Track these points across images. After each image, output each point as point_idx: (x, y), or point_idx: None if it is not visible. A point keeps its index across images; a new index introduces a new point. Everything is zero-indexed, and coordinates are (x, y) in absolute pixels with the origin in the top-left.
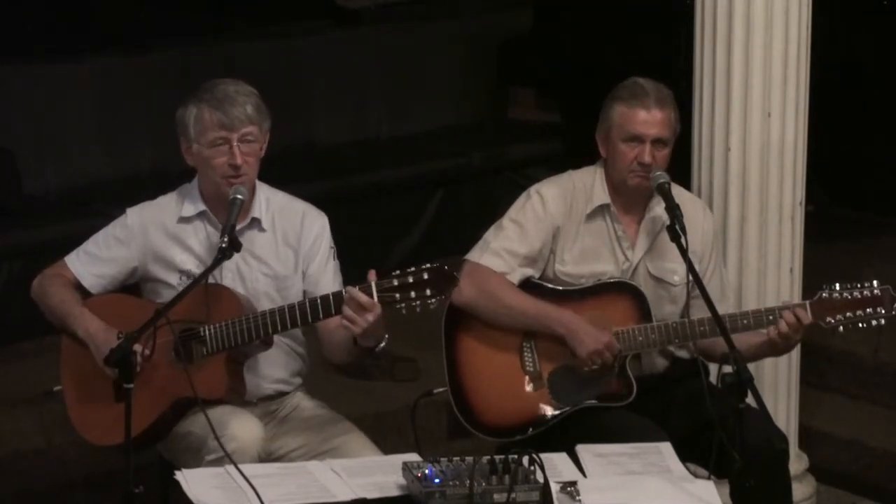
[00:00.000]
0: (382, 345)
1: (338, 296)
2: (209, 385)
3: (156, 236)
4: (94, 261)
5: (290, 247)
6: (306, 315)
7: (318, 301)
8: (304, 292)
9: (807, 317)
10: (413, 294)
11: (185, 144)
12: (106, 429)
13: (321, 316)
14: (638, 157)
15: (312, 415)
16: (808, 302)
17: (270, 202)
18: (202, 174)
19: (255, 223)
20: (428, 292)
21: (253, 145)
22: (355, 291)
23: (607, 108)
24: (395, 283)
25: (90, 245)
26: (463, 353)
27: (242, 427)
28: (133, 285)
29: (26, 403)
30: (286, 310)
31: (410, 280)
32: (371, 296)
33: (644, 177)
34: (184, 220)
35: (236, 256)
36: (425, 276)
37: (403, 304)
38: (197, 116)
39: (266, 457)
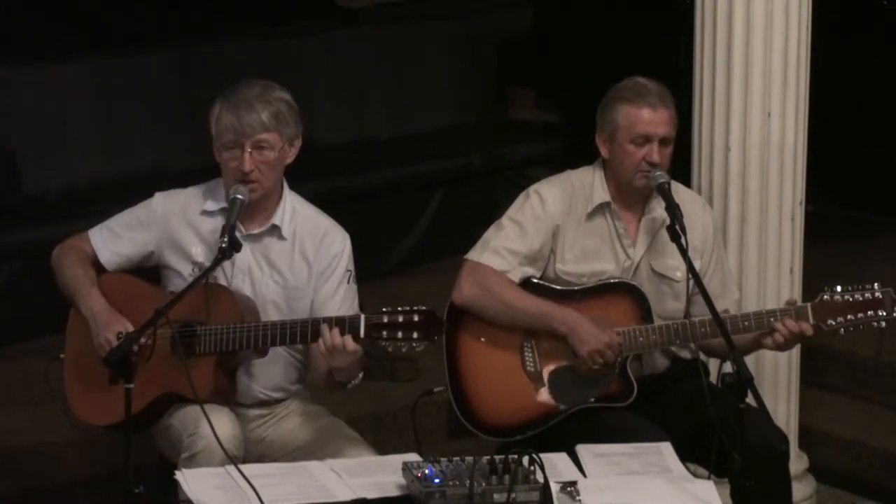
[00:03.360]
0: (355, 382)
1: (315, 323)
2: (195, 384)
3: (176, 224)
4: (115, 238)
5: (305, 260)
6: (296, 336)
7: (310, 325)
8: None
9: (809, 329)
10: (400, 335)
11: (213, 141)
12: (94, 408)
13: (309, 339)
14: (646, 156)
15: (306, 420)
16: (808, 304)
17: (296, 213)
18: (223, 173)
19: (275, 230)
20: (415, 335)
21: (267, 153)
22: (335, 336)
23: (610, 109)
24: (385, 320)
25: (114, 222)
26: (463, 353)
27: (215, 425)
28: (153, 270)
29: (26, 403)
30: (287, 326)
31: (400, 320)
32: (358, 330)
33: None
34: (206, 213)
35: (250, 259)
36: (415, 318)
37: (388, 343)
38: (218, 117)
39: (260, 459)
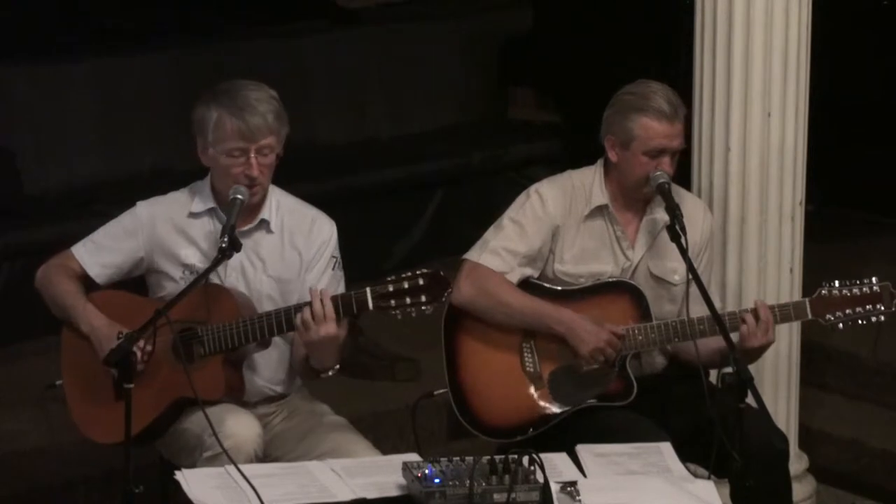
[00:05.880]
0: (330, 373)
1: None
2: (208, 385)
3: (163, 229)
4: (101, 251)
5: (296, 250)
6: (292, 321)
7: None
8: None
9: (768, 315)
10: (408, 300)
11: (201, 144)
12: (107, 427)
13: None
14: (659, 168)
15: (309, 418)
16: (807, 299)
17: (280, 205)
18: (216, 175)
19: (264, 224)
20: (423, 298)
21: (270, 157)
22: (316, 305)
23: (625, 117)
24: (391, 288)
25: (98, 235)
26: (463, 354)
27: (239, 424)
28: (139, 277)
29: (26, 403)
30: (282, 313)
31: (406, 286)
32: (366, 302)
33: None
34: (193, 215)
35: (241, 256)
36: (421, 281)
37: (398, 311)
38: (217, 122)
39: (263, 458)
